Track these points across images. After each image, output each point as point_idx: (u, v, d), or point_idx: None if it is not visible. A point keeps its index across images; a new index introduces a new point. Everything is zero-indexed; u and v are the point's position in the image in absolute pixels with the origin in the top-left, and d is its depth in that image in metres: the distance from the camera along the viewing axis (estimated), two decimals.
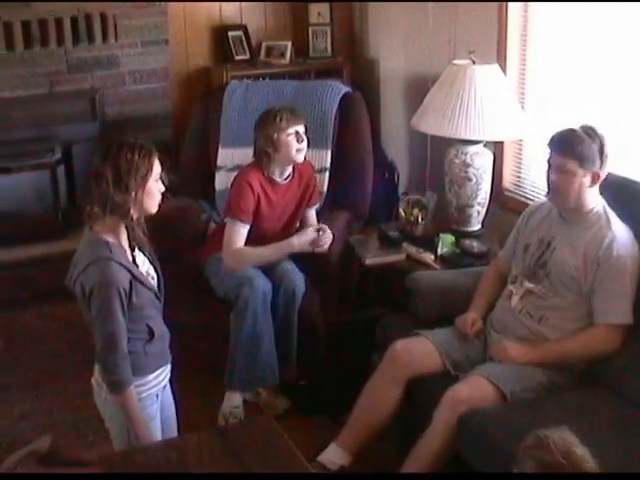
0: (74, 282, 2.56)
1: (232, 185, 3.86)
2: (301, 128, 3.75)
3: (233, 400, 3.72)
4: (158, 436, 2.72)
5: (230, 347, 3.67)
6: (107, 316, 2.51)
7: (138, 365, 2.61)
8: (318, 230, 3.77)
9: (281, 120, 3.70)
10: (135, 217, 2.58)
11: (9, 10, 4.65)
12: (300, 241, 3.76)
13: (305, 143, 3.76)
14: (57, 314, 4.63)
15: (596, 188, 3.03)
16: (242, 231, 3.74)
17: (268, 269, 3.75)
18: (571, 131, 3.00)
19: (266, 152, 3.74)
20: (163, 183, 2.64)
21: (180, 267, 3.94)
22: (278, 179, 3.82)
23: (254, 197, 3.74)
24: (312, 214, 4.02)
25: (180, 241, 4.14)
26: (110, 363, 2.55)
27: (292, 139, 3.71)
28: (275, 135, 3.69)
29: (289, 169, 3.83)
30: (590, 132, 2.97)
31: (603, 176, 3.00)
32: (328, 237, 3.76)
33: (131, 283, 2.54)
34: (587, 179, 2.98)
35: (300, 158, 3.78)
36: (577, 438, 1.90)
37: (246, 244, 3.76)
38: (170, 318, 2.81)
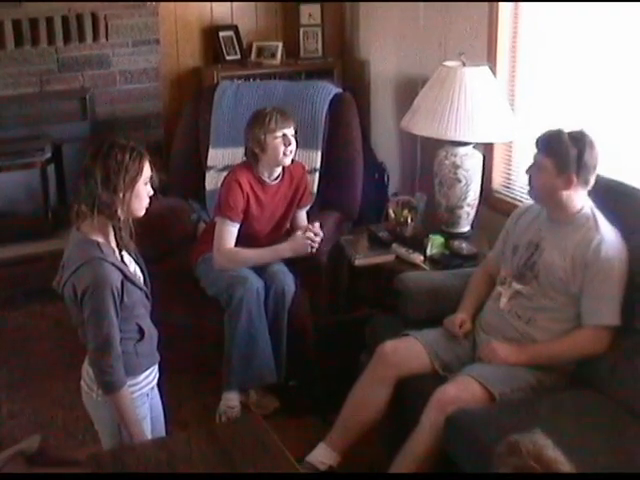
0: (64, 284, 2.55)
1: (222, 185, 3.86)
2: (290, 131, 3.73)
3: (230, 400, 3.70)
4: (149, 436, 2.72)
5: (225, 347, 3.67)
6: (101, 317, 2.50)
7: (129, 365, 2.61)
8: (310, 234, 3.78)
9: (270, 122, 3.68)
10: (122, 218, 2.57)
11: (0, 9, 4.63)
12: (292, 247, 3.77)
13: (293, 146, 3.75)
14: (47, 313, 4.62)
15: (582, 190, 3.03)
16: (232, 230, 3.74)
17: (258, 270, 3.76)
18: (557, 131, 3.01)
19: (254, 153, 3.74)
20: (152, 187, 2.64)
21: (170, 267, 3.94)
22: (267, 180, 3.82)
23: (243, 196, 3.74)
24: (302, 215, 4.02)
25: (170, 241, 4.14)
26: (105, 364, 2.54)
27: (279, 142, 3.70)
28: (263, 136, 3.68)
29: (278, 170, 3.83)
30: (576, 137, 2.97)
31: (581, 183, 2.98)
32: (318, 239, 3.78)
33: (122, 283, 2.54)
34: (560, 181, 2.98)
35: (287, 161, 3.77)
36: (549, 439, 1.85)
37: (237, 245, 3.76)
38: (160, 318, 2.81)
